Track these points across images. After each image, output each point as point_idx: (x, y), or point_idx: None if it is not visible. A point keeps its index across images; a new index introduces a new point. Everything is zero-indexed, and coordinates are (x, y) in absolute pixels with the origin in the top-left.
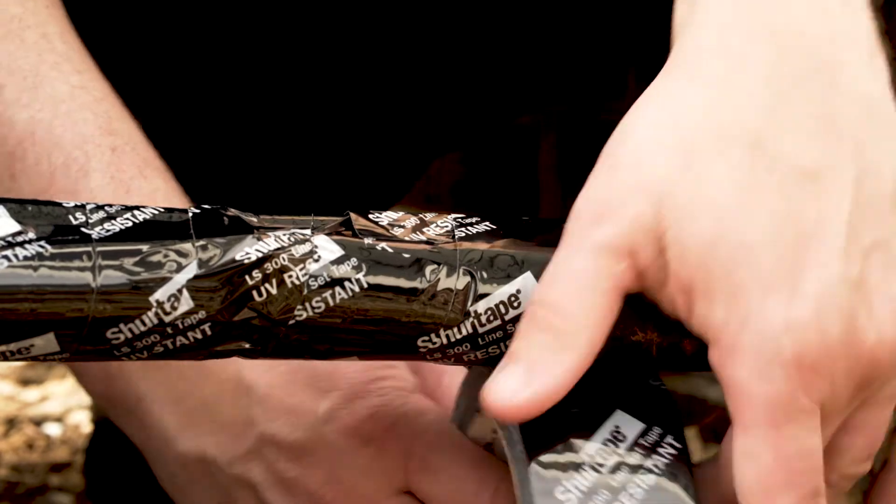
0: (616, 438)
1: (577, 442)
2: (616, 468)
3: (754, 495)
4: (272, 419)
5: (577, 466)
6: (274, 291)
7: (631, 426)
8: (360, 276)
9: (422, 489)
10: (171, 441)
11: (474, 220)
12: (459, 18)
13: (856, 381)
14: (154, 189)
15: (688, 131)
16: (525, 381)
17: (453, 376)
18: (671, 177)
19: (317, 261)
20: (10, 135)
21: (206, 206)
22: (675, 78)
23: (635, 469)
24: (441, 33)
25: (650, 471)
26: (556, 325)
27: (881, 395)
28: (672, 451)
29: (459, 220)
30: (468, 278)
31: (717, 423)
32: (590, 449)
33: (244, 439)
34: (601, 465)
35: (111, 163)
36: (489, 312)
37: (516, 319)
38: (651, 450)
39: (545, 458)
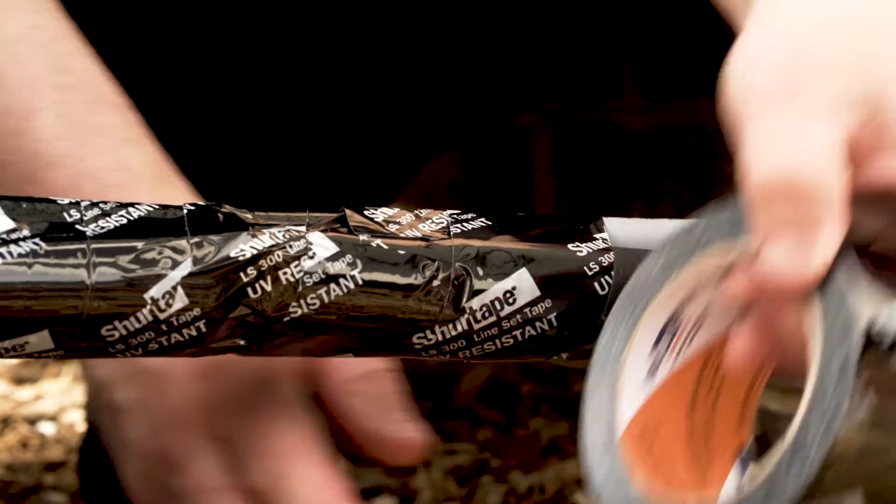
0: None
1: None
2: None
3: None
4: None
5: None
6: (269, 288)
7: None
8: (355, 272)
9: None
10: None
11: (469, 216)
12: (455, 18)
13: None
14: (106, 125)
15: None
16: (790, 258)
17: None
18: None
19: (311, 258)
20: None
21: (200, 203)
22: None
23: None
24: (437, 33)
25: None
26: (808, 192)
27: None
28: None
29: (455, 216)
30: (463, 274)
31: None
32: None
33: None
34: None
35: (59, 101)
36: (484, 309)
37: (511, 316)
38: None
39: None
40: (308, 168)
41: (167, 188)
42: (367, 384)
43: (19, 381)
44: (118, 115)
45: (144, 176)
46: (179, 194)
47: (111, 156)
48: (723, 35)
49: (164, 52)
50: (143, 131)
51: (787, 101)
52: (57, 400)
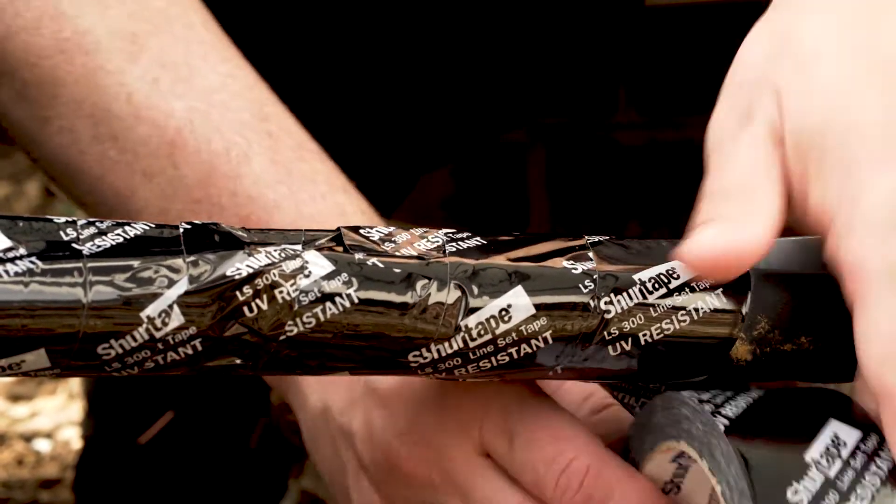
0: (836, 444)
1: (799, 447)
2: (841, 472)
3: (879, 366)
4: None
5: (804, 468)
6: (265, 307)
7: (849, 433)
8: (350, 291)
9: (497, 451)
10: (306, 398)
11: (465, 234)
12: (450, 34)
13: None
14: (314, 171)
15: (798, 40)
16: (721, 233)
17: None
18: (783, 76)
19: (307, 276)
20: (168, 124)
21: (196, 222)
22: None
23: (861, 472)
24: (432, 48)
25: (875, 474)
26: (741, 196)
27: None
28: (890, 456)
29: (450, 234)
30: (459, 292)
31: None
32: (814, 453)
33: (353, 389)
34: (827, 468)
35: (269, 147)
36: (480, 327)
37: (507, 334)
38: (873, 455)
39: (767, 461)
40: None
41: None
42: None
43: (15, 398)
44: (323, 163)
45: (360, 218)
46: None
47: (328, 201)
48: (716, 53)
49: None
50: (343, 177)
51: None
52: (52, 417)
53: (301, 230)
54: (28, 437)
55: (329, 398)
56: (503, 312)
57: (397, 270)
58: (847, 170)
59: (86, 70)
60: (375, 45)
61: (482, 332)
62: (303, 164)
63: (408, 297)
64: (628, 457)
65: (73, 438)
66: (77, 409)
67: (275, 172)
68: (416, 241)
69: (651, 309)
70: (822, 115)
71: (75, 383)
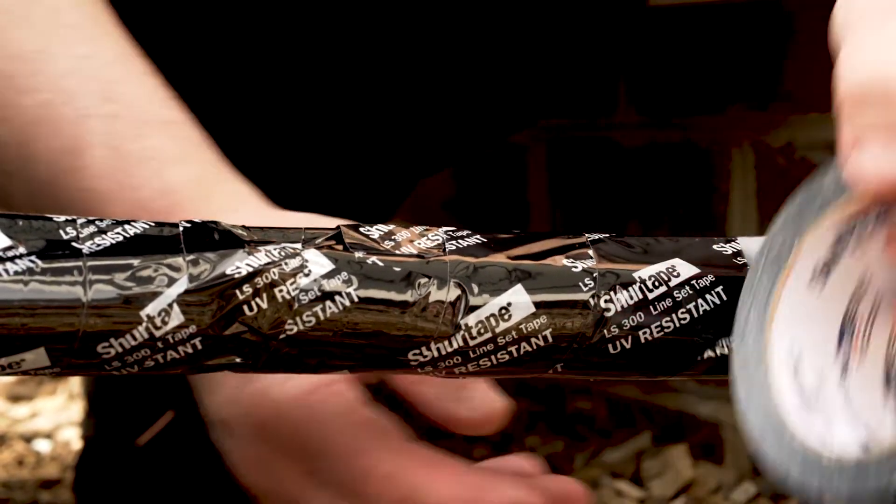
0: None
1: None
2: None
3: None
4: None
5: None
6: (265, 306)
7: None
8: (350, 289)
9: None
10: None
11: (465, 233)
12: (451, 35)
13: None
14: (153, 147)
15: None
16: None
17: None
18: None
19: (307, 275)
20: (21, 123)
21: (196, 221)
22: None
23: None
24: (432, 50)
25: None
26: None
27: None
28: None
29: (450, 233)
30: (459, 291)
31: (707, 440)
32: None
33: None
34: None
35: (108, 132)
36: (480, 325)
37: (507, 332)
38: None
39: None
40: (302, 186)
41: (215, 199)
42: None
43: (15, 398)
44: (163, 134)
45: (186, 197)
46: (226, 200)
47: (156, 182)
48: (717, 53)
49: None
50: (190, 141)
51: (881, 20)
52: (52, 417)
53: (301, 228)
54: (28, 438)
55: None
56: (503, 311)
57: (397, 269)
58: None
59: None
60: (378, 48)
61: (482, 330)
62: (141, 142)
63: (408, 296)
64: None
65: (73, 439)
66: (77, 410)
67: (109, 161)
68: (416, 240)
69: (651, 307)
70: None
71: (75, 383)
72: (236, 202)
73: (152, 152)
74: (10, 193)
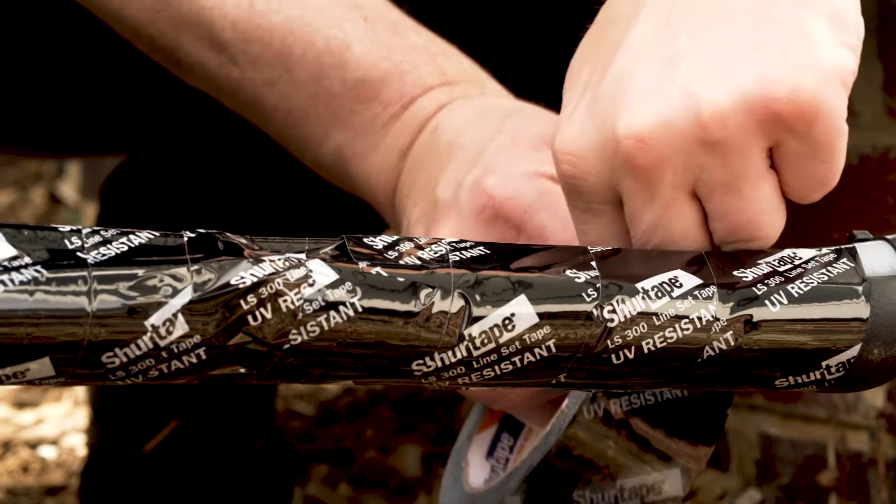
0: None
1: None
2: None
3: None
4: (442, 186)
5: None
6: (269, 316)
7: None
8: (354, 300)
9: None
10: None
11: (468, 244)
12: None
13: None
14: (412, 44)
15: None
16: None
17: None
18: None
19: (311, 285)
20: (273, 38)
21: (201, 231)
22: None
23: None
24: None
25: None
26: None
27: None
28: None
29: (453, 244)
30: (462, 301)
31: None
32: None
33: (425, 203)
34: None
35: (366, 31)
36: (483, 336)
37: (510, 342)
38: None
39: None
40: (306, 194)
41: (482, 83)
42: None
43: (20, 405)
44: (419, 34)
45: (461, 79)
46: (488, 87)
47: (430, 66)
48: None
49: (163, 79)
50: (446, 44)
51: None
52: (58, 424)
53: (305, 239)
54: (33, 444)
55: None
56: (506, 321)
57: (401, 279)
58: None
59: (192, 9)
60: None
61: (486, 340)
62: (400, 40)
63: (411, 306)
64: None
65: (78, 445)
66: (83, 416)
67: (376, 52)
68: (420, 251)
69: (654, 317)
70: None
71: (80, 390)
72: (495, 89)
73: (415, 45)
74: (269, 104)
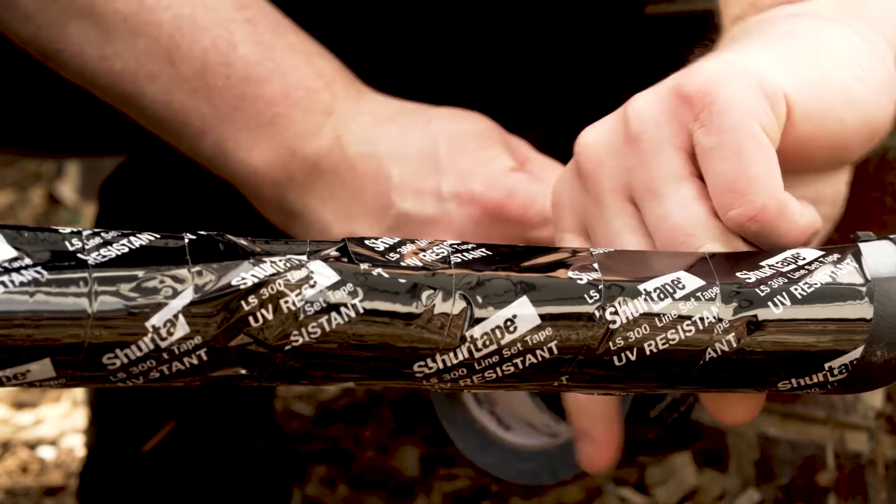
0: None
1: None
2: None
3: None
4: (405, 199)
5: None
6: (270, 317)
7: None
8: (356, 301)
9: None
10: (328, 229)
11: (470, 245)
12: (453, 41)
13: None
14: (291, 44)
15: None
16: None
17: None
18: None
19: (313, 286)
20: (161, 34)
21: (202, 233)
22: None
23: None
24: (434, 55)
25: None
26: None
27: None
28: None
29: (455, 246)
30: (464, 303)
31: (711, 447)
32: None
33: (385, 219)
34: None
35: (251, 32)
36: (485, 337)
37: (512, 344)
38: None
39: None
40: None
41: (357, 86)
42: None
43: (19, 405)
44: (298, 35)
45: (337, 79)
46: (365, 90)
47: (309, 68)
48: None
49: None
50: (317, 45)
51: None
52: (57, 424)
53: (306, 241)
54: (32, 445)
55: (357, 229)
56: (508, 323)
57: (402, 281)
58: None
59: (84, 2)
60: (380, 52)
61: (487, 342)
62: (282, 40)
63: (413, 308)
64: None
65: (77, 446)
66: (82, 417)
67: (260, 53)
68: (422, 252)
69: (656, 319)
70: None
71: (79, 391)
72: (371, 92)
73: (297, 46)
74: (148, 96)
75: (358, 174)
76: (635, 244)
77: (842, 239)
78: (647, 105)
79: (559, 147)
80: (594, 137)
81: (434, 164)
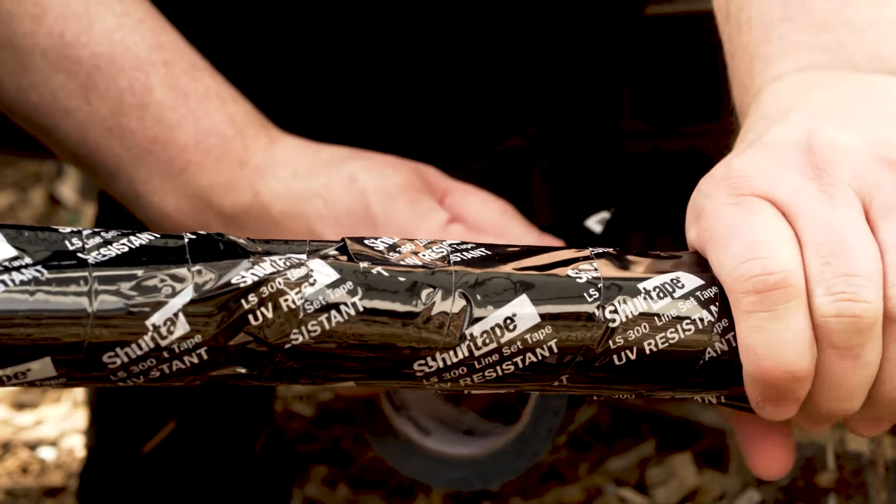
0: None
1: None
2: None
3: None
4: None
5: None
6: (270, 315)
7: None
8: (355, 300)
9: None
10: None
11: (470, 245)
12: (452, 40)
13: None
14: (206, 88)
15: None
16: None
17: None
18: None
19: (312, 285)
20: (79, 71)
21: (202, 233)
22: None
23: None
24: (433, 55)
25: None
26: None
27: None
28: None
29: (455, 245)
30: (464, 302)
31: (711, 448)
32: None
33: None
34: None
35: (167, 75)
36: (485, 335)
37: (512, 342)
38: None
39: None
40: None
41: (269, 132)
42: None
43: (20, 406)
44: (213, 78)
45: (249, 124)
46: (278, 136)
47: (222, 114)
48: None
49: None
50: (233, 90)
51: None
52: (57, 425)
53: (306, 241)
54: (33, 445)
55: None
56: (508, 321)
57: (402, 279)
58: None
59: (5, 34)
60: (378, 53)
61: (487, 340)
62: (196, 84)
63: (412, 306)
64: None
65: (78, 446)
66: (82, 417)
67: (174, 97)
68: (421, 251)
69: (656, 318)
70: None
71: (79, 391)
72: (284, 137)
73: (211, 91)
74: (62, 130)
75: (286, 233)
76: (849, 239)
77: None
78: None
79: (559, 147)
80: (847, 141)
81: (371, 223)
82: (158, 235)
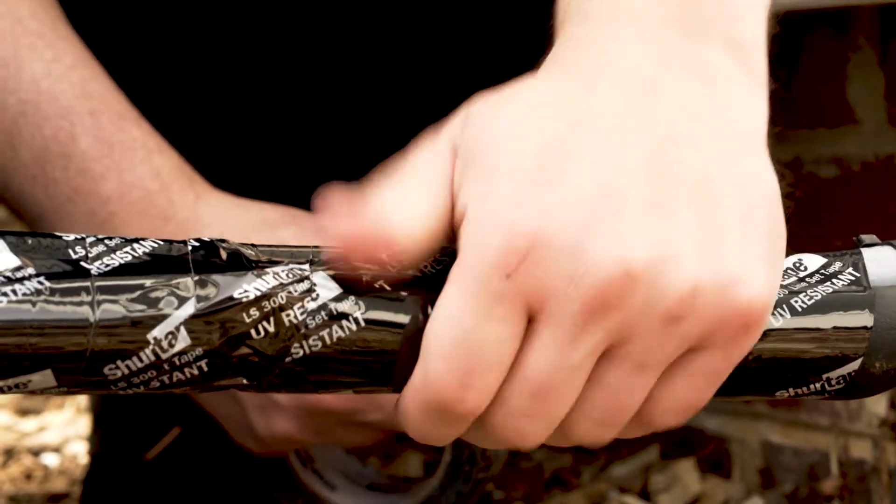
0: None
1: None
2: None
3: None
4: None
5: None
6: (271, 329)
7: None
8: (357, 314)
9: None
10: None
11: None
12: (446, 35)
13: (578, 305)
14: (132, 139)
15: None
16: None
17: None
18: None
19: (315, 299)
20: (4, 117)
21: (205, 240)
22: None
23: None
24: (425, 48)
25: None
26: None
27: (623, 351)
28: None
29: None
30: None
31: (714, 454)
32: None
33: None
34: None
35: (92, 125)
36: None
37: None
38: None
39: None
40: (295, 188)
41: (195, 187)
42: None
43: (23, 412)
44: (139, 129)
45: (175, 178)
46: (204, 191)
47: (146, 167)
48: None
49: (161, 85)
50: (161, 140)
51: None
52: (61, 431)
53: (308, 249)
54: (36, 452)
55: None
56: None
57: (404, 293)
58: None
59: None
60: (367, 45)
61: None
62: (122, 135)
63: (415, 318)
64: None
65: (81, 453)
66: (85, 424)
67: (99, 148)
68: (423, 262)
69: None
70: (477, 128)
71: (83, 398)
72: (210, 193)
73: (137, 142)
74: None
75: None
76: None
77: (843, 246)
78: None
79: None
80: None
81: None
82: (162, 242)
